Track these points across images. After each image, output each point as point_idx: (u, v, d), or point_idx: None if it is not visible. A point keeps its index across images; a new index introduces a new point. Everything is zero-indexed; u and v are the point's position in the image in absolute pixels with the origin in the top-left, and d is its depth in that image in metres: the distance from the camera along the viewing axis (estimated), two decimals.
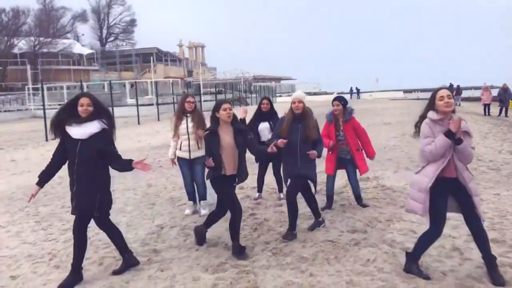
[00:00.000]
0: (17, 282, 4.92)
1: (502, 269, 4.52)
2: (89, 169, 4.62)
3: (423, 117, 4.49)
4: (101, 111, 4.77)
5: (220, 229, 6.27)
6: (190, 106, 7.07)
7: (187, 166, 7.15)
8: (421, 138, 4.45)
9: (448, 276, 4.55)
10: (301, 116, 5.85)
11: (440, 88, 4.42)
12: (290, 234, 5.81)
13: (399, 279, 4.50)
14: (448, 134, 4.22)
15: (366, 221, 6.44)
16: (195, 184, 7.27)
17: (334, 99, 7.08)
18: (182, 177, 7.31)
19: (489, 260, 4.46)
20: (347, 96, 61.63)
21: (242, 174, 5.47)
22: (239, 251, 5.28)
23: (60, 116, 4.69)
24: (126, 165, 4.78)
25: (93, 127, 4.64)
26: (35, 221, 7.32)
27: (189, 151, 7.03)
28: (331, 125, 7.02)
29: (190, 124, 7.03)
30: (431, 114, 4.40)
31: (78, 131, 4.60)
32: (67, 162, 4.70)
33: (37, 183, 4.71)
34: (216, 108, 5.39)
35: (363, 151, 7.12)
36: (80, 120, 4.64)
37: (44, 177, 4.73)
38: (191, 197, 7.31)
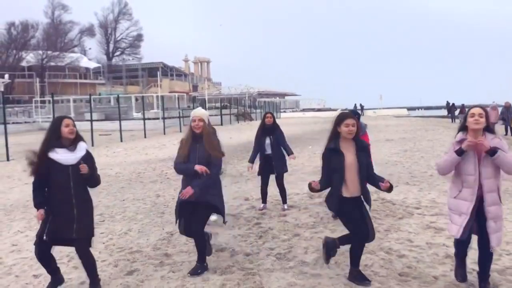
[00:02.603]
0: (39, 280, 5.31)
1: (490, 274, 4.85)
2: (84, 192, 4.78)
3: (460, 129, 4.58)
4: (80, 136, 4.81)
5: (227, 236, 6.65)
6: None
7: None
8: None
9: (439, 280, 4.91)
10: (201, 136, 5.29)
11: (474, 106, 4.51)
12: (200, 267, 5.33)
13: (394, 282, 4.87)
14: (459, 151, 4.35)
15: None
16: None
17: None
18: None
19: (484, 278, 4.65)
20: None
21: (368, 194, 4.96)
22: (360, 278, 4.91)
23: (49, 145, 4.64)
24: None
25: (80, 151, 4.71)
26: None
27: None
28: None
29: None
30: (458, 135, 4.51)
31: (68, 157, 4.62)
32: (50, 188, 4.69)
33: (38, 207, 4.67)
34: (338, 123, 4.80)
35: None
36: (66, 144, 4.66)
37: (42, 200, 4.70)
38: None
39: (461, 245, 4.71)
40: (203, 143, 5.24)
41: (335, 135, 4.82)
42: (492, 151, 4.27)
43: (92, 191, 4.94)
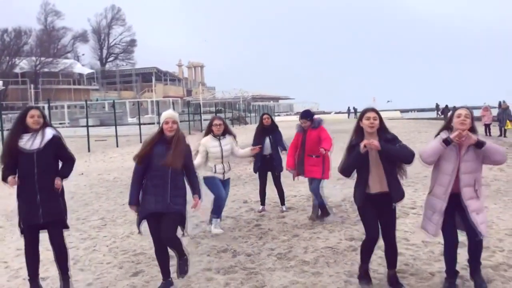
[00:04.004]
0: (47, 282, 5.44)
1: (484, 270, 5.03)
2: (50, 177, 4.72)
3: (441, 129, 4.65)
4: (47, 124, 4.86)
5: (228, 238, 6.80)
6: (218, 130, 7.13)
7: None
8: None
9: (435, 276, 5.10)
10: (172, 140, 4.94)
11: (461, 107, 4.58)
12: (166, 284, 5.06)
13: None
14: (445, 140, 4.40)
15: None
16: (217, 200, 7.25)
17: (301, 117, 7.62)
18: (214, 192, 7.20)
19: (476, 267, 4.79)
20: (344, 116, 62.61)
21: (396, 191, 4.70)
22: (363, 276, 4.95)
23: (15, 135, 4.70)
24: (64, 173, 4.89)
25: (46, 135, 4.71)
26: None
27: (224, 173, 7.18)
28: (300, 134, 7.64)
29: (225, 147, 7.12)
30: (442, 134, 4.55)
31: (32, 143, 4.64)
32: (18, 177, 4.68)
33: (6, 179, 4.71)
34: (360, 118, 4.78)
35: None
36: (32, 132, 4.70)
37: (9, 172, 4.70)
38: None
39: (449, 250, 4.78)
40: (171, 148, 4.88)
41: (359, 131, 4.77)
42: (480, 143, 4.35)
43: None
